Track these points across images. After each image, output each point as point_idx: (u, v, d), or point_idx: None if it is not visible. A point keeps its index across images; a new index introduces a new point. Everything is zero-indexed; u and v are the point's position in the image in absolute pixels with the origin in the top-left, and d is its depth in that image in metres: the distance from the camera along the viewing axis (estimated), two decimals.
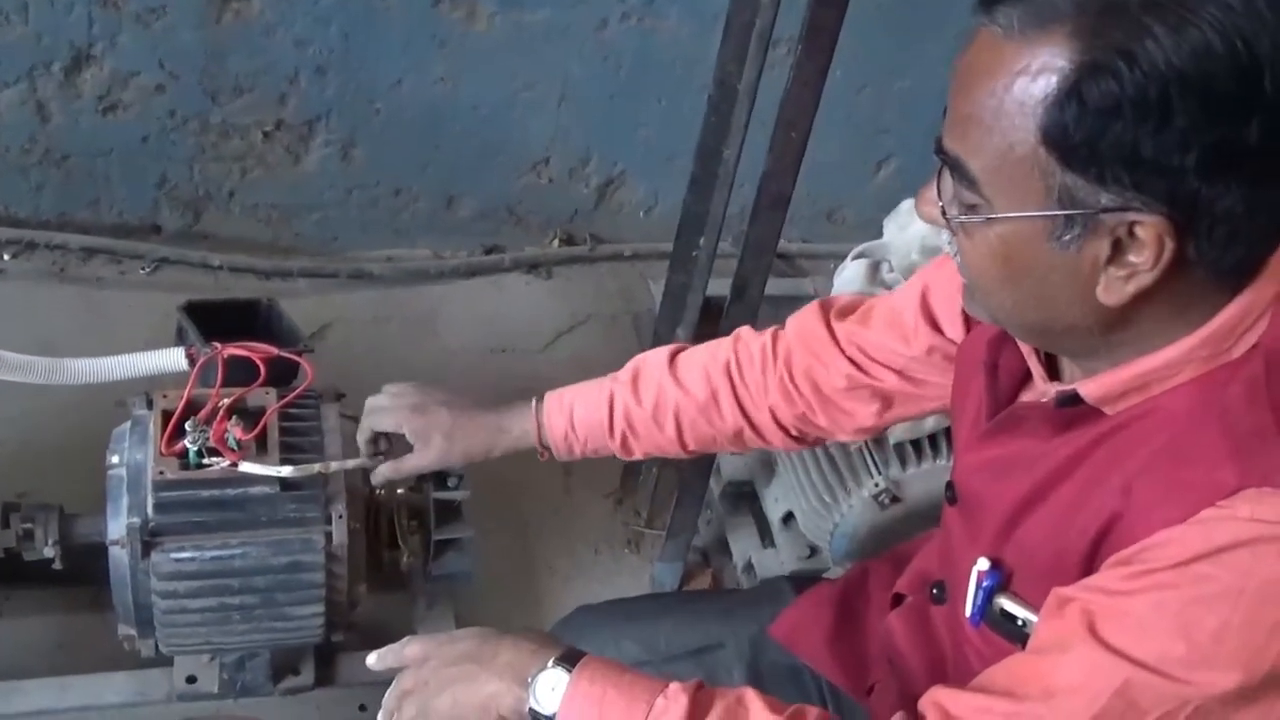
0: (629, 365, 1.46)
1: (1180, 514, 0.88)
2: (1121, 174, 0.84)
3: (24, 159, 2.46)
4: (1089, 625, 0.91)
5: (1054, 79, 0.83)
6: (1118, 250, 0.87)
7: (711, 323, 2.03)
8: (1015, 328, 1.02)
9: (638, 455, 1.45)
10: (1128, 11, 0.81)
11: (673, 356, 1.43)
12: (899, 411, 1.37)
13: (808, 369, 1.37)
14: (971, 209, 0.92)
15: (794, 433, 1.41)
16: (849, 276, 2.29)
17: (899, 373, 1.32)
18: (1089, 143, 0.83)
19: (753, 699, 1.03)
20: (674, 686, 1.03)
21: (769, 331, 1.42)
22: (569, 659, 1.06)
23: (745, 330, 1.45)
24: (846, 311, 1.39)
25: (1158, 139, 0.82)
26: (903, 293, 1.33)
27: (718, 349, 1.43)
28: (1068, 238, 0.88)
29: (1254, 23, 0.80)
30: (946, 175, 0.93)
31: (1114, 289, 0.89)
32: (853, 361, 1.34)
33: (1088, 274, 0.89)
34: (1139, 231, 0.85)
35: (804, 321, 1.40)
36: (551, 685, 1.05)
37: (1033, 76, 0.84)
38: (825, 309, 1.40)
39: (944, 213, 0.95)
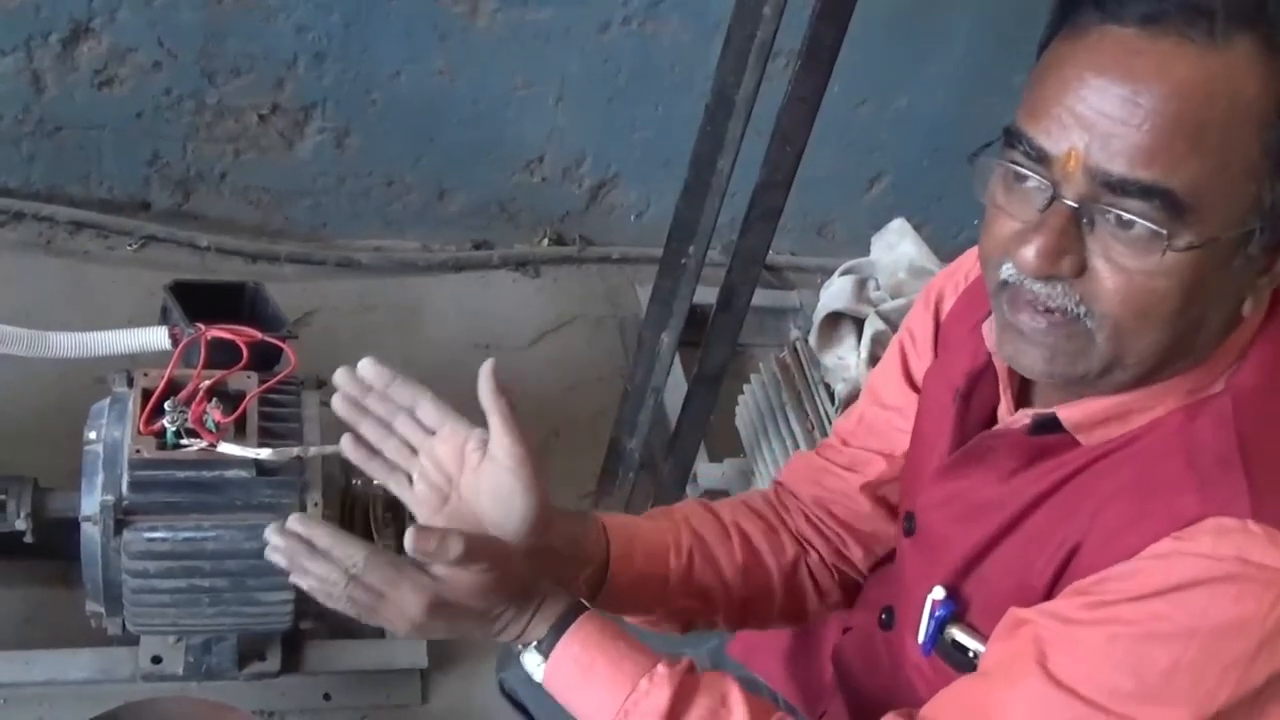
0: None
1: (1141, 542, 0.87)
2: None
3: (16, 129, 2.45)
4: (1039, 656, 0.90)
5: (1273, 83, 0.81)
6: (1271, 258, 0.87)
7: (698, 330, 2.04)
8: (1130, 373, 0.91)
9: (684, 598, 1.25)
10: None
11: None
12: None
13: (816, 498, 1.29)
14: (1153, 237, 0.83)
15: (835, 575, 1.29)
16: (835, 292, 2.31)
17: (891, 456, 1.25)
18: None
19: (737, 703, 1.01)
20: (661, 670, 1.01)
21: (772, 489, 1.33)
22: (560, 624, 1.03)
23: (746, 493, 1.34)
24: (836, 431, 1.33)
25: None
26: (881, 374, 1.27)
27: (748, 498, 1.32)
28: (1254, 250, 0.85)
29: None
30: (1099, 211, 0.84)
31: (1260, 297, 0.88)
32: (850, 469, 1.27)
33: (1246, 286, 0.88)
34: None
35: (796, 464, 1.34)
36: (536, 662, 1.04)
37: (1261, 84, 0.81)
38: (815, 451, 1.33)
39: (1076, 255, 0.87)
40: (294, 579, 1.01)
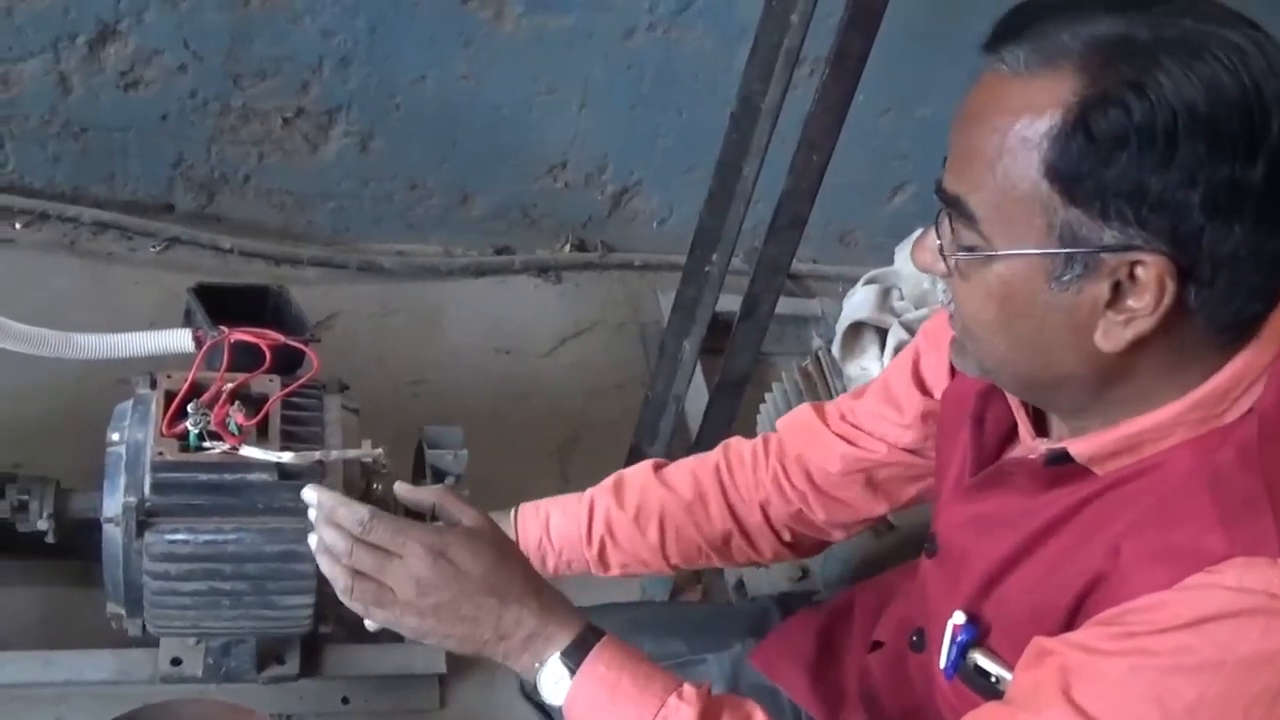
0: (609, 477, 1.42)
1: (1167, 579, 0.87)
2: (1125, 210, 0.83)
3: (43, 130, 2.46)
4: (1064, 685, 0.90)
5: (1059, 112, 0.84)
6: (1117, 294, 0.87)
7: (720, 338, 2.03)
8: (1007, 378, 0.99)
9: (614, 569, 1.39)
10: (1140, 48, 0.82)
11: (657, 466, 1.42)
12: (895, 495, 1.35)
13: (799, 456, 1.36)
14: (969, 249, 0.91)
15: (786, 536, 1.38)
16: (859, 301, 2.30)
17: (891, 444, 1.30)
18: (1093, 176, 0.83)
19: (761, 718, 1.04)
20: (688, 689, 1.03)
21: (760, 436, 1.42)
22: (582, 643, 1.05)
23: (735, 438, 1.44)
24: (839, 403, 1.39)
25: (1163, 173, 0.82)
26: (895, 364, 1.32)
27: (707, 455, 1.42)
28: (1068, 278, 0.87)
29: (1265, 65, 0.82)
30: (945, 219, 0.93)
31: (1112, 334, 0.88)
32: (844, 438, 1.33)
33: (1086, 318, 0.89)
34: (1140, 273, 0.85)
35: (796, 416, 1.41)
36: (559, 676, 1.04)
37: (1039, 111, 0.85)
38: (818, 406, 1.39)
39: (943, 258, 0.94)
40: (317, 558, 1.09)
